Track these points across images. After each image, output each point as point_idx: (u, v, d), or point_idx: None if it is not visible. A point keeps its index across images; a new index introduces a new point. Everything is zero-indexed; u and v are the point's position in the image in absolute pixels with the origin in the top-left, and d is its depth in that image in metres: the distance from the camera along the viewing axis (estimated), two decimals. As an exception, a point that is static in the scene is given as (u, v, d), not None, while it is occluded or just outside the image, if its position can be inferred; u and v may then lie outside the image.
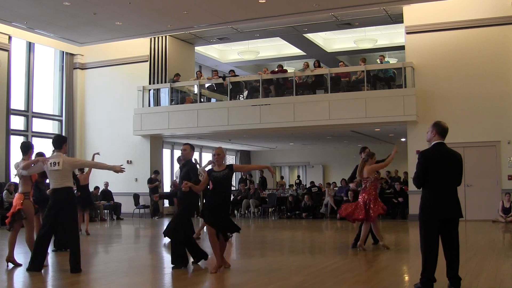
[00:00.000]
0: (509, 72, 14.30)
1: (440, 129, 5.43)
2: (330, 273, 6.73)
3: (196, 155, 22.80)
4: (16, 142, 16.86)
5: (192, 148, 7.51)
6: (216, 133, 17.59)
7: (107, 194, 17.35)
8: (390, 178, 18.96)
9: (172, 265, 6.99)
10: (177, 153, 21.31)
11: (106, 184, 17.50)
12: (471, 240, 10.57)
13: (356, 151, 26.77)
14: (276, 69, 16.63)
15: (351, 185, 9.31)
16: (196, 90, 17.86)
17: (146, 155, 17.81)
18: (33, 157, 7.49)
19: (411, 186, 14.67)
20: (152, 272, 6.74)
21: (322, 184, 20.64)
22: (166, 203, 18.21)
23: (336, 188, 18.09)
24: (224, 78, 17.23)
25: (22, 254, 8.07)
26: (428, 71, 14.99)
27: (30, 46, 17.68)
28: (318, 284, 5.94)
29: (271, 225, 15.39)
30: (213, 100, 18.24)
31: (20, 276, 6.81)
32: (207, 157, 24.01)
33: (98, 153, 11.47)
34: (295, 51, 20.78)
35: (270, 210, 18.56)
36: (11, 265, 7.30)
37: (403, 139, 17.91)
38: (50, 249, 7.81)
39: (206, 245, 8.56)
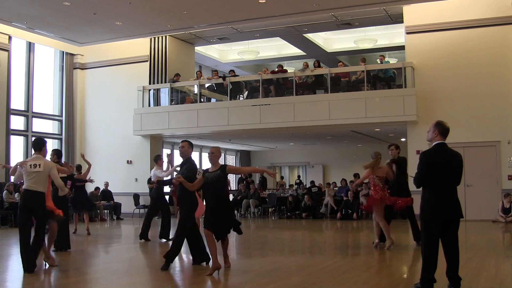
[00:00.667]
0: (509, 72, 14.30)
1: (442, 129, 5.43)
2: (330, 273, 6.73)
3: (196, 155, 22.83)
4: (16, 142, 16.89)
5: (190, 144, 7.38)
6: (216, 133, 17.60)
7: (107, 194, 17.35)
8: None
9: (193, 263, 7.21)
10: (178, 153, 21.32)
11: (106, 184, 17.50)
12: (471, 240, 10.57)
13: (356, 151, 26.91)
14: (276, 69, 16.63)
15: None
16: (196, 90, 17.86)
17: (146, 155, 17.80)
18: (47, 155, 7.47)
19: (411, 186, 14.62)
20: (152, 272, 6.74)
21: (322, 184, 20.64)
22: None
23: (336, 188, 18.09)
24: (224, 78, 17.24)
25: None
26: (428, 71, 14.99)
27: (30, 46, 17.69)
28: (318, 284, 5.94)
29: (271, 225, 15.39)
30: (213, 100, 18.25)
31: (20, 276, 6.81)
32: (207, 156, 24.02)
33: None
34: (295, 51, 20.78)
35: (270, 210, 18.56)
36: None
37: (403, 139, 17.91)
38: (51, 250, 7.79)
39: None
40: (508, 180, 14.16)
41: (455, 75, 14.76)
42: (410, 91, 14.69)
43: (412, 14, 15.32)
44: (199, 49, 20.41)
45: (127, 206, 17.41)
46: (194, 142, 21.70)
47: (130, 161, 17.92)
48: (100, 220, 16.58)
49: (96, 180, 17.10)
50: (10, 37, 16.45)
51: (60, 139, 18.70)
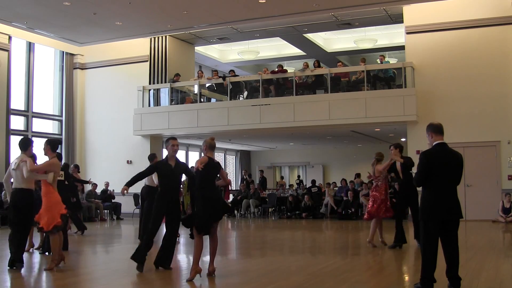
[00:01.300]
0: (509, 72, 14.29)
1: (434, 128, 5.45)
2: (330, 273, 6.73)
3: (196, 155, 22.83)
4: (16, 142, 16.85)
5: None
6: (216, 133, 17.55)
7: (107, 194, 17.35)
8: (390, 178, 18.96)
9: None
10: (178, 153, 21.29)
11: (107, 184, 17.50)
12: (471, 240, 10.57)
13: (356, 151, 26.92)
14: (276, 69, 16.63)
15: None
16: (196, 90, 17.87)
17: (146, 155, 17.55)
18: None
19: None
20: (152, 272, 6.74)
21: (322, 184, 20.64)
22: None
23: (336, 188, 18.08)
24: (224, 78, 17.24)
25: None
26: (428, 71, 14.99)
27: (30, 46, 17.68)
28: (318, 284, 5.94)
29: (271, 225, 15.39)
30: (213, 100, 18.24)
31: (20, 276, 6.81)
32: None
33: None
34: (295, 51, 20.78)
35: (270, 210, 18.56)
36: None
37: (403, 139, 17.90)
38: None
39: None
40: (508, 180, 14.16)
41: (455, 75, 14.76)
42: (410, 91, 14.69)
43: (412, 14, 15.31)
44: (199, 49, 20.41)
45: (127, 206, 17.39)
46: (194, 142, 21.75)
47: (130, 161, 17.91)
48: (100, 220, 16.59)
49: (96, 180, 17.18)
50: (10, 37, 16.44)
51: (60, 139, 18.69)
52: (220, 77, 17.48)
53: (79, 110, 19.04)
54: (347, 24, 17.33)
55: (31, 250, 8.85)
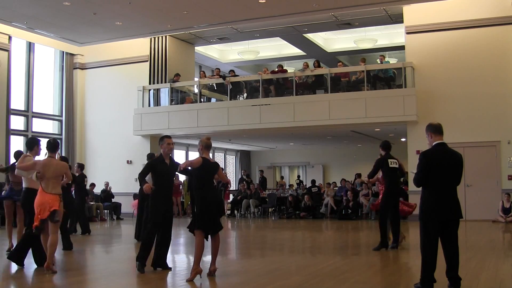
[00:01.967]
0: (509, 72, 14.29)
1: (433, 128, 5.44)
2: (330, 273, 6.73)
3: (196, 155, 22.80)
4: (16, 142, 16.87)
5: None
6: (216, 133, 17.58)
7: (107, 194, 17.35)
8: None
9: None
10: (178, 153, 21.30)
11: (107, 184, 17.51)
12: (471, 240, 10.57)
13: (356, 151, 26.87)
14: (276, 69, 16.63)
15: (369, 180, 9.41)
16: (196, 90, 17.87)
17: (146, 155, 17.77)
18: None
19: (411, 186, 14.67)
20: (152, 272, 6.74)
21: (322, 184, 20.64)
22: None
23: (336, 188, 18.09)
24: (224, 77, 17.25)
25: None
26: (428, 71, 14.99)
27: (30, 46, 17.68)
28: (318, 284, 5.94)
29: (271, 225, 15.39)
30: (213, 100, 18.25)
31: (20, 276, 6.81)
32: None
33: None
34: (295, 51, 20.78)
35: (270, 210, 18.56)
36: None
37: (403, 139, 17.90)
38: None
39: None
40: (508, 180, 14.16)
41: (455, 75, 14.76)
42: (410, 91, 14.69)
43: (412, 14, 15.31)
44: (199, 49, 20.41)
45: (127, 206, 17.40)
46: (194, 142, 21.70)
47: (130, 161, 17.92)
48: (100, 220, 16.58)
49: (96, 180, 17.17)
50: (10, 37, 16.45)
51: (60, 139, 18.68)
52: (220, 76, 17.50)
53: (79, 110, 19.04)
54: (347, 24, 17.33)
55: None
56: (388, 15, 16.09)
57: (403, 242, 9.17)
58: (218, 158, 24.44)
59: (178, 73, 17.82)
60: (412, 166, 14.14)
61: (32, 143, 7.42)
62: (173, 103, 17.80)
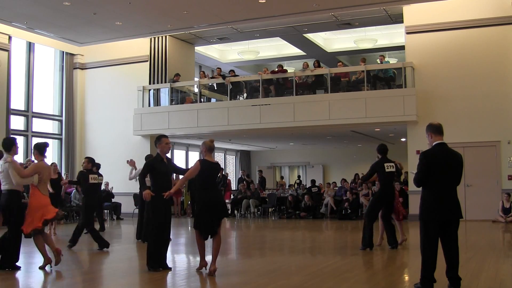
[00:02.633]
0: (509, 72, 14.30)
1: (434, 128, 5.45)
2: (330, 273, 6.73)
3: (196, 155, 22.81)
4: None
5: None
6: (216, 133, 17.58)
7: (107, 194, 17.34)
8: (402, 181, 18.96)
9: None
10: (178, 153, 21.31)
11: (107, 184, 17.48)
12: (471, 240, 10.58)
13: (356, 151, 26.81)
14: (276, 69, 16.63)
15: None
16: (196, 90, 17.87)
17: (146, 155, 17.77)
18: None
19: (411, 186, 14.68)
20: (152, 272, 6.73)
21: (322, 184, 20.64)
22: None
23: (336, 188, 18.09)
24: (224, 77, 17.26)
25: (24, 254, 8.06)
26: (428, 71, 14.99)
27: (30, 46, 17.68)
28: (318, 284, 5.94)
29: (271, 225, 15.38)
30: (213, 100, 18.25)
31: (19, 276, 6.81)
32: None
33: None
34: (295, 51, 20.78)
35: (270, 210, 18.56)
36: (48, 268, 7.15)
37: (403, 139, 17.91)
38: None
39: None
40: (508, 180, 14.16)
41: (455, 75, 14.76)
42: (410, 91, 14.69)
43: (412, 14, 15.31)
44: (199, 49, 20.41)
45: (127, 206, 17.40)
46: (194, 142, 21.69)
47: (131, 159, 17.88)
48: (100, 220, 16.55)
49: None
50: (10, 37, 16.44)
51: (60, 139, 18.71)
52: (220, 75, 17.51)
53: (79, 110, 19.04)
54: (347, 24, 17.33)
55: None
56: (388, 15, 16.09)
57: (404, 243, 9.16)
58: (218, 158, 24.45)
59: (178, 73, 17.82)
60: (412, 166, 14.14)
61: (10, 144, 7.04)
62: (173, 103, 17.80)
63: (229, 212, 18.41)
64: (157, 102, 18.10)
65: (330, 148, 24.82)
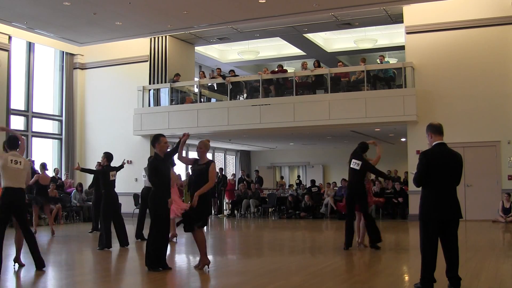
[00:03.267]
0: (509, 72, 14.30)
1: (434, 128, 5.45)
2: (330, 273, 6.73)
3: (195, 155, 22.79)
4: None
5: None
6: (216, 133, 17.59)
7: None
8: (390, 178, 18.96)
9: None
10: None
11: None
12: (471, 240, 10.58)
13: (356, 151, 26.39)
14: (276, 69, 16.63)
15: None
16: (196, 90, 17.87)
17: (146, 155, 17.74)
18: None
19: (411, 186, 14.68)
20: (152, 272, 6.73)
21: (322, 184, 20.64)
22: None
23: (336, 188, 18.09)
24: (224, 77, 17.26)
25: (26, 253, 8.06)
26: (428, 71, 14.99)
27: (30, 46, 17.68)
28: (318, 284, 5.94)
29: (271, 225, 15.39)
30: (213, 100, 18.25)
31: (20, 276, 6.81)
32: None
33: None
34: (295, 51, 20.78)
35: (270, 210, 18.56)
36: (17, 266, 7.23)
37: (403, 139, 17.90)
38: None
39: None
40: (508, 180, 14.16)
41: (455, 75, 14.76)
42: (410, 91, 14.69)
43: (412, 14, 15.31)
44: (199, 49, 20.41)
45: (127, 206, 17.37)
46: (194, 142, 21.72)
47: (130, 161, 17.89)
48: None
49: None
50: (10, 37, 16.45)
51: (60, 139, 18.71)
52: (221, 76, 17.51)
53: (79, 110, 19.05)
54: (347, 24, 17.33)
55: None
56: (388, 15, 16.09)
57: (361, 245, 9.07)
58: (218, 158, 24.44)
59: (178, 73, 17.82)
60: (412, 166, 14.15)
61: (16, 141, 6.96)
62: (173, 103, 17.80)
63: (228, 212, 18.45)
64: (157, 102, 18.10)
65: (330, 148, 24.80)
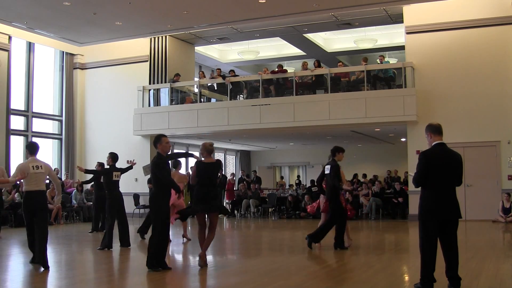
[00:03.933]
0: (509, 72, 14.30)
1: (433, 128, 5.46)
2: (330, 273, 6.73)
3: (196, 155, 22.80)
4: (16, 142, 16.89)
5: None
6: (216, 133, 17.59)
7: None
8: (390, 178, 18.98)
9: None
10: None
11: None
12: (471, 240, 10.58)
13: (356, 151, 26.84)
14: (276, 69, 16.63)
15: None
16: (196, 90, 17.88)
17: (146, 155, 17.79)
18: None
19: (411, 186, 14.67)
20: (152, 272, 6.73)
21: (322, 184, 20.60)
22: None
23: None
24: (224, 77, 17.26)
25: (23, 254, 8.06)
26: (428, 71, 14.99)
27: (30, 46, 17.69)
28: (318, 284, 5.94)
29: (271, 225, 15.39)
30: (213, 100, 18.25)
31: (20, 276, 6.82)
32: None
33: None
34: (295, 51, 20.78)
35: (270, 210, 18.56)
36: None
37: (403, 139, 17.91)
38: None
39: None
40: (508, 180, 14.16)
41: (455, 75, 14.76)
42: (410, 91, 14.69)
43: (412, 14, 15.31)
44: (199, 49, 20.41)
45: (127, 206, 17.14)
46: (194, 142, 21.71)
47: (130, 161, 17.89)
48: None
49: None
50: (10, 37, 16.45)
51: (60, 139, 18.71)
52: (220, 76, 17.51)
53: (79, 110, 19.05)
54: (347, 24, 17.33)
55: None
56: (388, 15, 16.09)
57: (351, 245, 9.09)
58: (218, 158, 24.45)
59: (178, 73, 17.82)
60: (412, 166, 14.15)
61: (37, 148, 7.62)
62: (173, 103, 17.80)
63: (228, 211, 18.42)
64: (157, 102, 18.10)
65: (330, 148, 24.78)
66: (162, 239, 6.86)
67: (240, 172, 23.29)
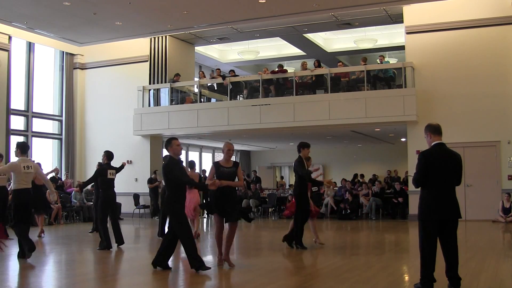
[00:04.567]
0: (509, 72, 14.30)
1: (432, 128, 5.46)
2: (330, 273, 6.73)
3: (196, 155, 22.83)
4: (16, 142, 16.88)
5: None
6: (216, 133, 17.59)
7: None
8: (390, 178, 18.98)
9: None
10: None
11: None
12: (471, 240, 10.58)
13: (356, 151, 26.77)
14: (276, 69, 16.63)
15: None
16: (196, 90, 17.88)
17: (146, 155, 17.82)
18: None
19: (411, 186, 14.66)
20: (152, 272, 6.74)
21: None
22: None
23: (336, 188, 18.09)
24: (224, 77, 17.26)
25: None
26: (428, 71, 14.99)
27: (30, 46, 17.69)
28: (318, 284, 5.94)
29: (271, 225, 15.38)
30: (213, 100, 18.25)
31: (20, 276, 6.81)
32: (207, 156, 24.01)
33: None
34: (295, 51, 20.78)
35: (270, 210, 18.55)
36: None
37: (403, 139, 17.91)
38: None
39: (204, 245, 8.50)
40: (508, 180, 14.16)
41: (455, 75, 14.76)
42: (410, 91, 14.69)
43: (412, 14, 15.31)
44: (199, 49, 20.41)
45: (127, 206, 17.40)
46: (194, 142, 21.70)
47: (130, 161, 17.89)
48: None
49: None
50: (10, 37, 16.44)
51: (60, 139, 18.70)
52: (220, 76, 17.51)
53: (79, 110, 19.05)
54: (347, 24, 17.33)
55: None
56: (388, 15, 16.09)
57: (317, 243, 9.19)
58: (218, 158, 24.43)
59: (178, 73, 17.83)
60: (412, 166, 14.15)
61: (27, 147, 8.20)
62: (173, 103, 17.80)
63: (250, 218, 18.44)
64: (157, 102, 18.10)
65: (330, 148, 24.81)
66: (174, 241, 6.84)
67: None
